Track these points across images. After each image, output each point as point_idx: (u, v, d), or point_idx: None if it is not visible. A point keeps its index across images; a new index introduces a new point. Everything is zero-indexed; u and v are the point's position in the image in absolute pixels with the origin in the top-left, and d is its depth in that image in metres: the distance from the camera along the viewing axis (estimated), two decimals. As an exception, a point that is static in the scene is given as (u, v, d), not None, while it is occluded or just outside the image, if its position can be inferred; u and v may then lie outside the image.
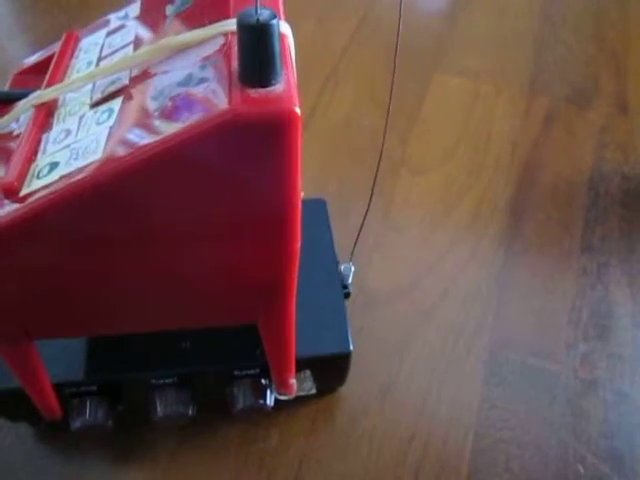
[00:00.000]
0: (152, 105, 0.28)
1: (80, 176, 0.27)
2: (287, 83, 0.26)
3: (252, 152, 0.26)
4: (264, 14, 0.24)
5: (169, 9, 0.34)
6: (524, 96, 0.72)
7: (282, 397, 0.42)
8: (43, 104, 0.32)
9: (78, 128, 0.30)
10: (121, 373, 0.41)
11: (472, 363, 0.50)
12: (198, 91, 0.27)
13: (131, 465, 0.44)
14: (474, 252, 0.57)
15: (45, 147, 0.30)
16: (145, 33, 0.34)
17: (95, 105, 0.31)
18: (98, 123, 0.29)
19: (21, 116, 0.33)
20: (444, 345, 0.51)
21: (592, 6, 0.85)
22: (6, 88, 0.37)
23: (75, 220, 0.28)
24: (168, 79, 0.29)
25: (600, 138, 0.67)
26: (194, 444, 0.45)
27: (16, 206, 0.27)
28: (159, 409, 0.40)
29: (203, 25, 0.30)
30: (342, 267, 0.47)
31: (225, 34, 0.29)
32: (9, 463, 0.44)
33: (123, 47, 0.34)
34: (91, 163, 0.27)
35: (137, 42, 0.33)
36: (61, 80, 0.34)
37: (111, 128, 0.28)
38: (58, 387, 0.39)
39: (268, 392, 0.42)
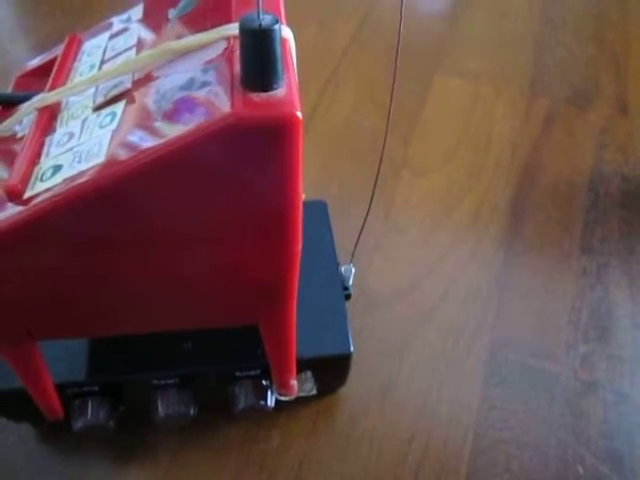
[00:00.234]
0: (155, 108, 0.28)
1: (83, 179, 0.27)
2: (289, 87, 0.26)
3: (254, 155, 0.26)
4: (266, 19, 0.24)
5: (171, 12, 0.34)
6: (524, 97, 0.72)
7: (283, 398, 0.42)
8: (46, 107, 0.32)
9: (81, 131, 0.30)
10: (123, 374, 0.41)
11: (472, 363, 0.50)
12: (200, 95, 0.27)
13: (132, 465, 0.44)
14: (474, 253, 0.57)
15: (48, 150, 0.30)
16: (148, 36, 0.34)
17: (98, 108, 0.31)
18: (101, 126, 0.29)
19: (24, 119, 0.33)
20: (444, 346, 0.51)
21: (592, 7, 0.85)
22: (9, 91, 0.37)
23: (78, 222, 0.28)
24: (170, 83, 0.29)
25: (600, 139, 0.67)
26: (195, 444, 0.45)
27: (20, 208, 0.28)
28: (161, 409, 0.41)
29: (205, 29, 0.30)
30: (343, 268, 0.47)
31: (227, 38, 0.29)
32: (11, 463, 0.44)
33: (126, 50, 0.34)
34: (94, 166, 0.27)
35: (140, 45, 0.33)
36: (64, 83, 0.34)
37: (114, 131, 0.28)
38: (60, 387, 0.39)
39: (269, 393, 0.42)
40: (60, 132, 0.31)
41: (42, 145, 0.31)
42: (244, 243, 0.30)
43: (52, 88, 0.33)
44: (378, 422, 0.46)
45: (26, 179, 0.29)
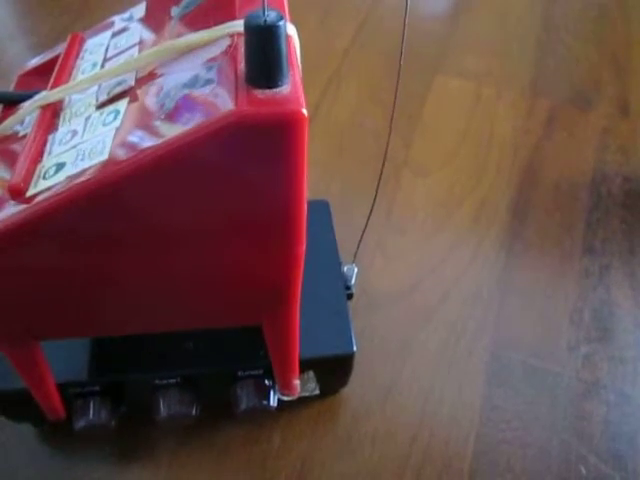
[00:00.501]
0: (158, 106, 0.28)
1: (86, 177, 0.27)
2: (293, 84, 0.26)
3: (259, 153, 0.26)
4: (271, 16, 0.24)
5: (174, 10, 0.34)
6: (526, 98, 0.72)
7: (285, 398, 0.42)
8: (49, 105, 0.32)
9: (84, 129, 0.30)
10: (125, 373, 0.41)
11: (474, 364, 0.50)
12: (204, 92, 0.27)
13: (134, 465, 0.44)
14: (476, 253, 0.57)
15: (51, 148, 0.30)
16: (150, 34, 0.34)
17: (101, 106, 0.31)
18: (104, 124, 0.29)
19: (26, 118, 0.33)
20: (446, 346, 0.51)
21: (593, 8, 0.85)
22: (10, 90, 0.37)
23: (81, 221, 0.28)
24: (174, 80, 0.29)
25: (601, 140, 0.67)
26: (197, 444, 0.45)
27: (22, 207, 0.28)
28: (162, 409, 0.40)
29: (209, 26, 0.30)
30: (345, 268, 0.47)
31: (231, 35, 0.29)
32: (13, 463, 0.44)
33: (128, 48, 0.34)
34: (98, 164, 0.27)
35: (142, 43, 0.33)
36: (66, 81, 0.34)
37: (117, 129, 0.28)
38: (62, 387, 0.39)
39: (271, 393, 0.42)
40: (63, 130, 0.31)
41: (45, 143, 0.31)
42: (247, 243, 0.30)
43: (54, 86, 0.33)
44: (380, 422, 0.46)
45: (29, 177, 0.29)
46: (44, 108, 0.32)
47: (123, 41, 0.35)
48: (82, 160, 0.28)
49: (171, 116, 0.27)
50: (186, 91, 0.28)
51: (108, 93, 0.31)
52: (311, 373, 0.43)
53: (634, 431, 0.46)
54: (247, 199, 0.28)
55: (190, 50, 0.30)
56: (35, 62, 0.39)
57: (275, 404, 0.42)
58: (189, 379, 0.41)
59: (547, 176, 0.64)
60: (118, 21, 0.37)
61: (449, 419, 0.47)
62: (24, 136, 0.32)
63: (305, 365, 0.41)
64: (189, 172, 0.27)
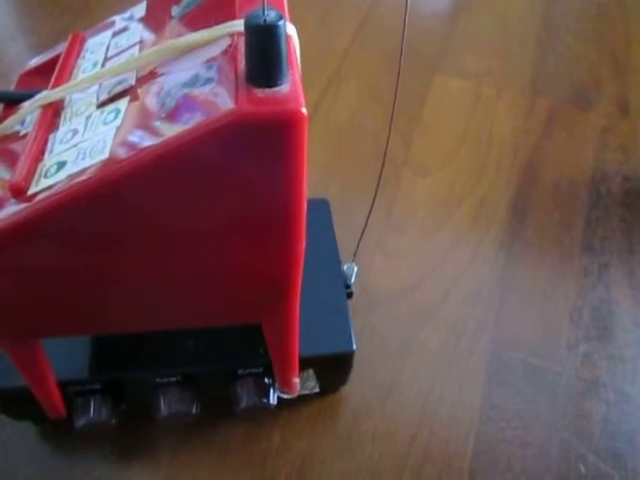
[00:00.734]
0: (159, 105, 0.28)
1: (87, 176, 0.27)
2: (293, 83, 0.26)
3: (259, 152, 0.26)
4: (271, 15, 0.25)
5: (175, 10, 0.34)
6: (525, 97, 0.72)
7: (285, 396, 0.42)
8: (50, 104, 0.32)
9: (85, 128, 0.30)
10: (125, 372, 0.41)
11: (474, 363, 0.50)
12: (204, 91, 0.27)
13: (134, 463, 0.44)
14: (476, 252, 0.57)
15: (52, 147, 0.30)
16: (151, 34, 0.34)
17: (102, 105, 0.31)
18: (105, 123, 0.29)
19: (27, 117, 0.33)
20: (446, 345, 0.51)
21: (593, 7, 0.85)
22: (11, 89, 0.37)
23: (82, 219, 0.28)
24: (174, 79, 0.29)
25: (601, 139, 0.67)
26: (197, 443, 0.45)
27: (23, 205, 0.28)
28: (163, 408, 0.41)
29: (209, 26, 0.30)
30: (345, 267, 0.47)
31: (231, 35, 0.29)
32: (13, 462, 0.44)
33: (129, 48, 0.34)
34: (99, 162, 0.27)
35: (143, 43, 0.33)
36: (67, 80, 0.34)
37: (118, 128, 0.28)
38: (62, 385, 0.39)
39: (271, 391, 0.42)
40: (64, 129, 0.31)
41: (46, 142, 0.31)
42: (247, 241, 0.30)
43: (55, 86, 0.33)
44: (380, 421, 0.46)
45: (30, 176, 0.29)
46: (45, 107, 0.32)
47: (124, 40, 0.35)
48: (83, 159, 0.28)
49: (171, 115, 0.27)
50: (186, 90, 0.28)
51: (109, 92, 0.31)
52: (311, 371, 0.43)
53: (633, 430, 0.46)
54: (247, 197, 0.28)
55: (190, 49, 0.30)
56: (36, 62, 0.39)
57: (275, 402, 0.42)
58: (189, 377, 0.41)
59: (547, 175, 0.64)
60: (119, 21, 0.37)
61: (449, 418, 0.47)
62: (25, 136, 0.32)
63: (305, 363, 0.41)
64: (189, 171, 0.27)
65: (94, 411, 0.40)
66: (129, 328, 0.36)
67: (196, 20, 0.32)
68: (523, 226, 0.59)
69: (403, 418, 0.47)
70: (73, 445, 0.45)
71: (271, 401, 0.42)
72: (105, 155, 0.27)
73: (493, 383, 0.49)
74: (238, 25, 0.29)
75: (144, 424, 0.45)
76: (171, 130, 0.26)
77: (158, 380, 0.41)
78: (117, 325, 0.36)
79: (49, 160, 0.29)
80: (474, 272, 0.56)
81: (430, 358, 0.50)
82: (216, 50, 0.29)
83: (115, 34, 0.36)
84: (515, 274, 0.56)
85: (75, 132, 0.30)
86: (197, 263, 0.31)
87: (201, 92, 0.27)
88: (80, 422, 0.40)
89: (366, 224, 0.45)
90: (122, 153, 0.27)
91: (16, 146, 0.32)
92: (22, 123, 0.33)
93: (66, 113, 0.32)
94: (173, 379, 0.41)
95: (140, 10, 0.37)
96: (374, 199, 0.43)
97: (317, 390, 0.45)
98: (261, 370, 0.41)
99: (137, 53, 0.33)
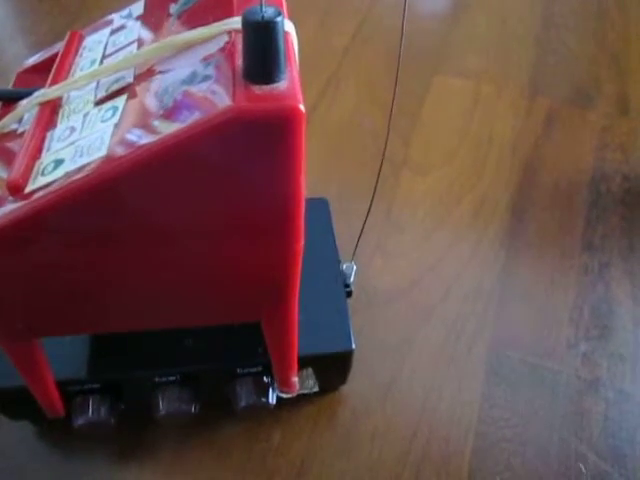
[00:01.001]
0: (157, 103, 0.28)
1: (85, 173, 0.27)
2: (291, 80, 0.26)
3: (256, 149, 0.26)
4: (269, 11, 0.24)
5: (173, 8, 0.34)
6: (525, 97, 0.72)
7: (284, 395, 0.42)
8: (47, 102, 0.32)
9: (83, 125, 0.30)
10: (124, 371, 0.41)
11: (473, 362, 0.50)
12: (202, 88, 0.27)
13: (133, 463, 0.44)
14: (475, 251, 0.57)
15: (50, 144, 0.30)
16: (149, 31, 0.34)
17: (99, 103, 0.31)
18: (103, 120, 0.29)
19: (24, 115, 0.33)
20: (445, 344, 0.51)
21: (593, 7, 0.85)
22: (9, 87, 0.37)
23: (79, 217, 0.28)
24: (172, 77, 0.29)
25: (601, 138, 0.67)
26: (196, 442, 0.45)
27: (21, 203, 0.28)
28: (162, 407, 0.41)
29: (207, 23, 0.30)
30: (344, 266, 0.47)
31: (229, 32, 0.29)
32: (11, 461, 0.44)
33: (127, 45, 0.34)
34: (96, 160, 0.27)
35: (141, 40, 0.33)
36: (65, 78, 0.34)
37: (116, 125, 0.28)
38: (61, 385, 0.39)
39: (270, 390, 0.42)
40: (61, 127, 0.31)
41: (43, 140, 0.31)
42: (245, 239, 0.30)
43: (53, 83, 0.33)
44: (379, 420, 0.46)
45: (27, 173, 0.29)
46: (43, 105, 0.32)
47: (122, 38, 0.35)
48: (81, 156, 0.28)
49: (169, 112, 0.27)
50: (184, 87, 0.28)
51: (107, 90, 0.31)
52: (310, 370, 0.43)
53: (633, 428, 0.46)
54: (245, 195, 0.28)
55: (188, 47, 0.30)
56: (34, 60, 0.39)
57: (274, 401, 0.42)
58: (188, 376, 0.41)
59: (546, 174, 0.64)
60: (117, 18, 0.37)
61: (448, 417, 0.47)
62: (22, 133, 0.32)
63: (304, 362, 0.41)
64: (187, 168, 0.27)
65: (93, 411, 0.40)
66: (128, 327, 0.36)
67: (194, 18, 0.32)
68: (523, 225, 0.59)
69: (403, 417, 0.47)
70: (72, 445, 0.45)
71: (270, 400, 0.42)
72: (103, 152, 0.27)
73: (492, 382, 0.48)
74: (236, 22, 0.29)
75: (143, 424, 0.45)
76: (169, 127, 0.26)
77: (157, 379, 0.41)
78: (116, 324, 0.36)
79: (47, 158, 0.29)
80: (474, 271, 0.56)
81: (429, 357, 0.50)
82: (214, 47, 0.29)
83: (113, 32, 0.36)
84: (515, 273, 0.56)
85: (73, 130, 0.30)
86: (195, 261, 0.31)
87: (199, 89, 0.27)
88: (79, 422, 0.40)
89: (365, 223, 0.45)
90: (120, 150, 0.27)
91: (14, 144, 0.32)
92: (20, 121, 0.33)
93: (64, 111, 0.32)
94: (172, 378, 0.41)
95: (138, 8, 0.37)
96: (373, 198, 0.43)
97: (316, 389, 0.45)
98: (260, 369, 0.41)
99: (135, 51, 0.33)
